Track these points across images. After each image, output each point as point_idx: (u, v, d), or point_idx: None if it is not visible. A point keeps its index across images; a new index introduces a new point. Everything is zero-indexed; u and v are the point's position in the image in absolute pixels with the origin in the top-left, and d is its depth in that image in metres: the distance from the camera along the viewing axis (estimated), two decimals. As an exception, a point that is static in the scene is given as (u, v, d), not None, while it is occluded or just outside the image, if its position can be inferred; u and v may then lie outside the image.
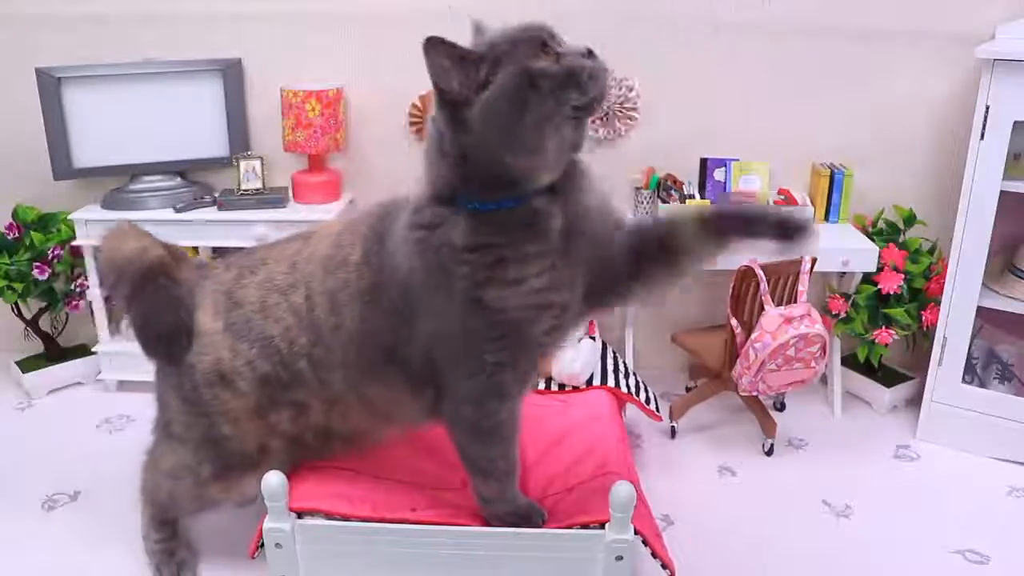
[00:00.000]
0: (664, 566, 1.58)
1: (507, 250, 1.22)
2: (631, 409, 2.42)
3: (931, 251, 2.65)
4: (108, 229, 1.72)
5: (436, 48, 1.10)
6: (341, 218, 1.58)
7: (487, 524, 1.53)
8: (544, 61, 1.10)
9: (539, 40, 1.11)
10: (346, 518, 1.54)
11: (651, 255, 1.30)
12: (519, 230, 1.22)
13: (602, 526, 1.50)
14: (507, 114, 1.10)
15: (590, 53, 1.13)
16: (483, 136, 1.13)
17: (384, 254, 1.37)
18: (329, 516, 1.55)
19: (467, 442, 1.45)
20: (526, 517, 1.49)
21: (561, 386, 2.13)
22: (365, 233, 1.43)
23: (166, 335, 1.57)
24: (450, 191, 1.23)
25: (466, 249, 1.23)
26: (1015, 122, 2.19)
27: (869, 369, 2.75)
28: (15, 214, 2.77)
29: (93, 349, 2.84)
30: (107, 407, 2.75)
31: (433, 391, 1.43)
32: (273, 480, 1.50)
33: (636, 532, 1.52)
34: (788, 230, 1.19)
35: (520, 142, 1.12)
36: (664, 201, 2.67)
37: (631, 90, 2.65)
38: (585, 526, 1.52)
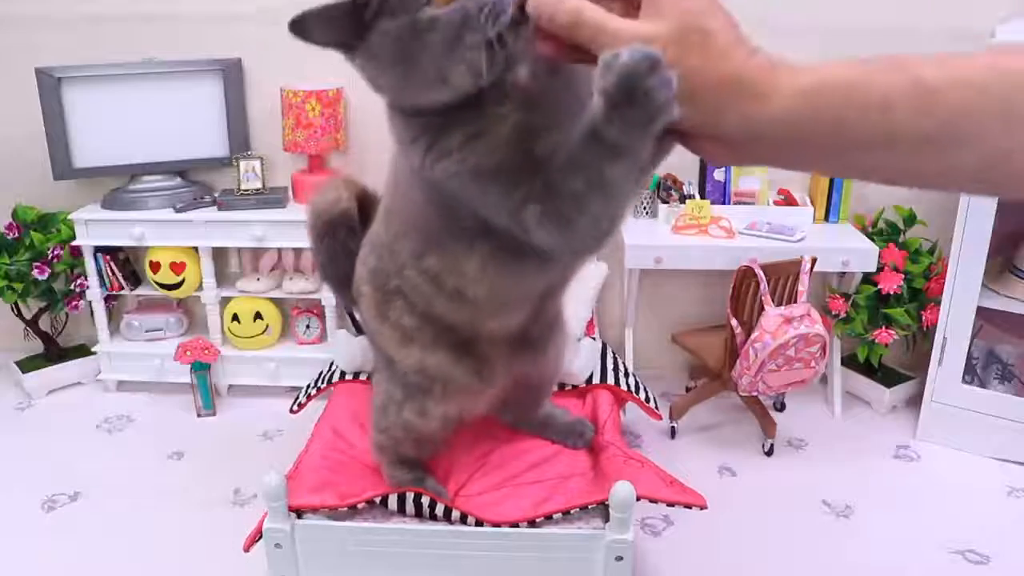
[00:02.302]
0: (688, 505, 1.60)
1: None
2: (631, 409, 2.42)
3: (931, 251, 2.64)
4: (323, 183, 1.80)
5: (306, 26, 0.91)
6: None
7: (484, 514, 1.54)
8: (435, 4, 0.86)
9: None
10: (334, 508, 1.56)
11: None
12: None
13: (602, 505, 1.51)
14: (394, 62, 0.92)
15: None
16: (376, 76, 0.96)
17: None
18: (316, 510, 1.56)
19: (558, 235, 1.10)
20: None
21: (561, 385, 2.13)
22: None
23: (338, 281, 1.67)
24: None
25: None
26: (1015, 122, 2.19)
27: (869, 369, 2.75)
28: (15, 214, 2.77)
29: (93, 349, 2.84)
30: (107, 407, 2.75)
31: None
32: (273, 480, 1.50)
33: (652, 500, 1.56)
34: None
35: (412, 81, 0.94)
36: (664, 201, 2.67)
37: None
38: (585, 508, 1.54)
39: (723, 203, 2.69)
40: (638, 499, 1.51)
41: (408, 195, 1.31)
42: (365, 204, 1.70)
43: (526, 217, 1.03)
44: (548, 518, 1.54)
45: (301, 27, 0.90)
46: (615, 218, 0.98)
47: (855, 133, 0.52)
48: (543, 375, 1.76)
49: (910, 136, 0.50)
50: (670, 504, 1.60)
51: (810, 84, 0.53)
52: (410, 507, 1.58)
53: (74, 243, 2.67)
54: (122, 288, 2.78)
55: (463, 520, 1.56)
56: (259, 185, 2.68)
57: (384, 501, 1.59)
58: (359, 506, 1.57)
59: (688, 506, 1.60)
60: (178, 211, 2.64)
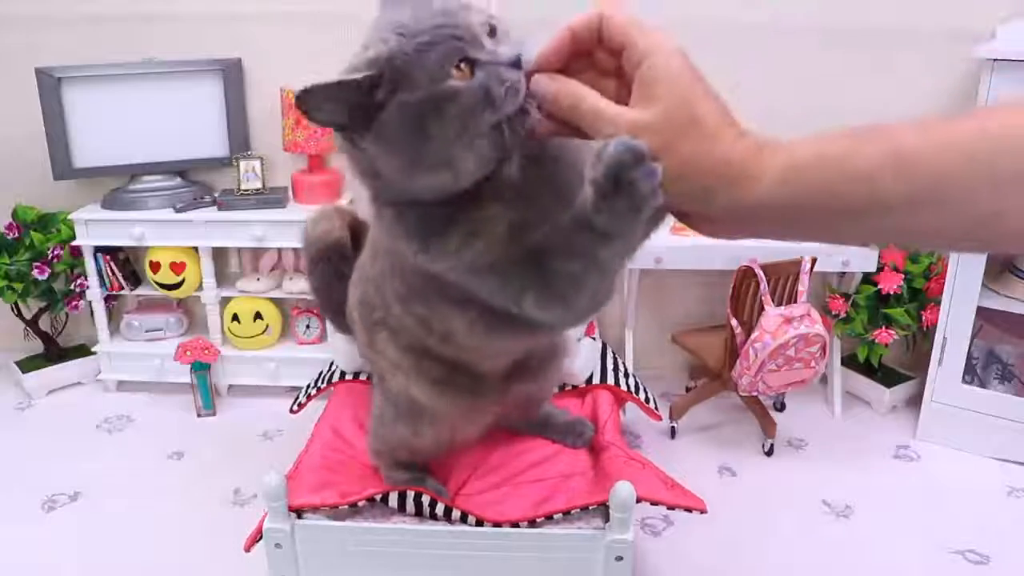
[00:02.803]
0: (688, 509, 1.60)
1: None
2: (631, 409, 2.42)
3: (931, 251, 2.65)
4: (314, 211, 1.87)
5: (314, 99, 0.86)
6: None
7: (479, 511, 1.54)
8: (456, 78, 0.83)
9: (454, 52, 0.85)
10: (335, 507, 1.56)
11: None
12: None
13: (602, 505, 1.51)
14: (406, 141, 0.88)
15: (517, 62, 0.82)
16: (381, 159, 0.92)
17: None
18: (317, 509, 1.56)
19: (560, 311, 1.10)
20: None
21: (561, 386, 2.13)
22: None
23: (333, 307, 1.72)
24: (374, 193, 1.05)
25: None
26: (1015, 122, 2.19)
27: (869, 369, 2.75)
28: (15, 214, 2.77)
29: (93, 349, 2.84)
30: (107, 407, 2.75)
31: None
32: (273, 480, 1.50)
33: (653, 502, 1.56)
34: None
35: (421, 164, 0.91)
36: (664, 201, 2.67)
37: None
38: (586, 508, 1.53)
39: (723, 203, 2.69)
40: (639, 501, 1.51)
41: (394, 246, 1.23)
42: (357, 231, 1.73)
43: (524, 303, 1.04)
44: (549, 518, 1.54)
45: (308, 101, 0.87)
46: (611, 288, 1.00)
47: (843, 204, 0.54)
48: (542, 393, 1.76)
49: (896, 203, 0.52)
50: (671, 507, 1.60)
51: (797, 162, 0.56)
52: (410, 506, 1.58)
53: (74, 243, 2.67)
54: (122, 288, 2.78)
55: (463, 519, 1.56)
56: (259, 185, 2.68)
57: (384, 499, 1.59)
58: (359, 504, 1.57)
59: (688, 510, 1.60)
60: (178, 211, 2.64)
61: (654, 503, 1.58)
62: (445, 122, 0.85)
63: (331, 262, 1.70)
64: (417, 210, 0.98)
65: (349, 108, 0.88)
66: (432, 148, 0.87)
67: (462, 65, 0.83)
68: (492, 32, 0.86)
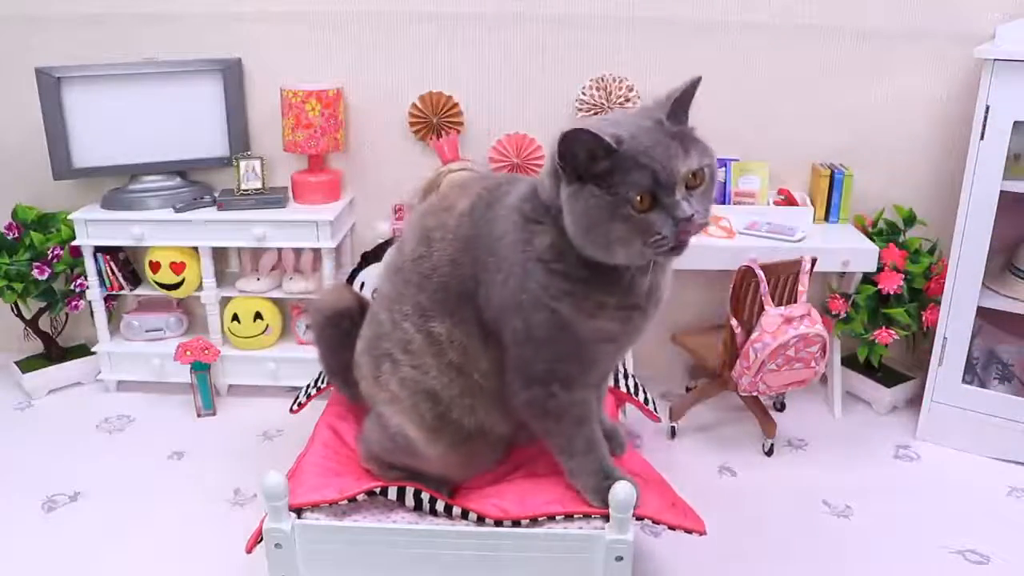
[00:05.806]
0: (689, 531, 1.61)
1: (587, 290, 1.35)
2: (631, 409, 2.42)
3: (931, 251, 2.65)
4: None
5: (576, 140, 1.19)
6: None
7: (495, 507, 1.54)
8: (643, 202, 1.20)
9: (644, 187, 1.19)
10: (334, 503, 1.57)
11: None
12: (602, 278, 1.34)
13: (604, 518, 1.51)
14: (584, 213, 1.24)
15: (688, 219, 1.20)
16: (565, 213, 1.27)
17: (489, 215, 1.46)
18: (317, 506, 1.57)
19: (535, 422, 1.53)
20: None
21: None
22: (478, 191, 1.52)
23: (340, 371, 1.83)
24: (553, 207, 1.33)
25: (544, 263, 1.35)
26: (1015, 122, 2.19)
27: (869, 369, 2.75)
28: (15, 214, 2.77)
29: (93, 349, 2.84)
30: (107, 407, 2.75)
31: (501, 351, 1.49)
32: (273, 480, 1.50)
33: (655, 521, 1.57)
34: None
35: (587, 235, 1.26)
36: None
37: (631, 90, 2.65)
38: (588, 516, 1.53)
39: (723, 203, 2.69)
40: (640, 519, 1.52)
41: (455, 272, 1.47)
42: (364, 306, 1.83)
43: (517, 380, 1.47)
44: (551, 518, 1.54)
45: (569, 140, 1.19)
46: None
47: None
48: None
49: None
50: (671, 527, 1.60)
51: None
52: (409, 500, 1.59)
53: (74, 243, 2.67)
54: (122, 288, 2.78)
55: (464, 516, 1.56)
56: (259, 185, 2.68)
57: (384, 492, 1.60)
58: (359, 499, 1.57)
59: (688, 531, 1.60)
60: (178, 211, 2.64)
61: (656, 523, 1.58)
62: (613, 225, 1.22)
63: (339, 328, 1.80)
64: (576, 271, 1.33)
65: (584, 157, 1.21)
66: (597, 232, 1.24)
67: (643, 197, 1.20)
68: (696, 179, 1.24)
